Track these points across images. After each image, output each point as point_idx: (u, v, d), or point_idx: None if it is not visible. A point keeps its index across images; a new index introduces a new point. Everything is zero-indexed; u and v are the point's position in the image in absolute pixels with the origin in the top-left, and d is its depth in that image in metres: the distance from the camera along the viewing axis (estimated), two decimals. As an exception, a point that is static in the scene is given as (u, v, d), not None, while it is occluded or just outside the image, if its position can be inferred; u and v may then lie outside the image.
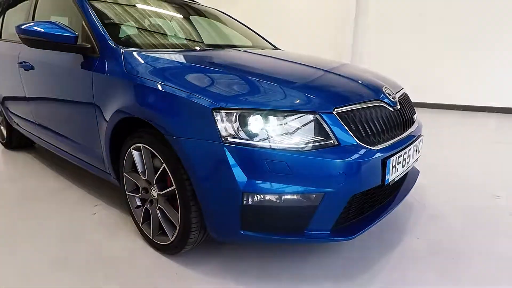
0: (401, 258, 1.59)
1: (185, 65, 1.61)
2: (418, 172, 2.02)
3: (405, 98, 1.80)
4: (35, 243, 1.69)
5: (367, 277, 1.46)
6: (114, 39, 1.77)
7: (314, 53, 2.66)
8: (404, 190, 1.76)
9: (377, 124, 1.44)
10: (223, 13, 3.02)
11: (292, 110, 1.28)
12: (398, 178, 1.52)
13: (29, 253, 1.61)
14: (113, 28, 1.94)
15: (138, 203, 1.71)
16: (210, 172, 1.27)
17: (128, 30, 2.03)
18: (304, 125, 1.29)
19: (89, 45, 1.80)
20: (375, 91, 1.55)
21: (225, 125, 1.24)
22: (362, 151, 1.33)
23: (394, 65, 6.49)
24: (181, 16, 2.54)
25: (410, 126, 1.69)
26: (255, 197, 1.26)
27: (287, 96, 1.35)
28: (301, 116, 1.29)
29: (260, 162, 1.23)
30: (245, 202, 1.26)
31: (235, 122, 1.25)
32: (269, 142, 1.24)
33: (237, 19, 3.04)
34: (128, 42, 1.90)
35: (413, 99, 2.23)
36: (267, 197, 1.26)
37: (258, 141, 1.24)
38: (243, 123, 1.25)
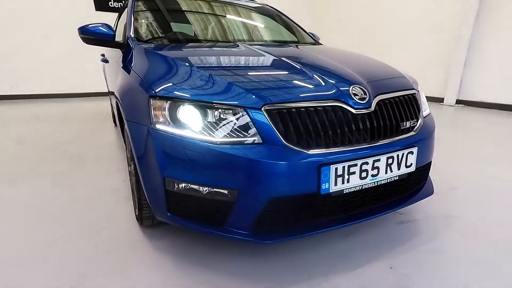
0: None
1: (159, 57, 1.72)
2: (429, 192, 1.67)
3: (397, 103, 1.50)
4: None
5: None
6: (139, 36, 2.08)
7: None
8: (384, 207, 1.50)
9: (319, 126, 1.29)
10: (275, 9, 3.02)
11: (219, 103, 1.28)
12: (356, 190, 1.34)
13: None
14: (144, 25, 2.25)
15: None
16: (144, 155, 1.40)
17: (152, 27, 2.31)
18: (228, 120, 1.27)
19: (122, 41, 2.15)
20: (334, 89, 1.37)
21: (156, 112, 1.34)
22: (288, 152, 1.23)
23: None
24: (215, 13, 2.69)
25: (391, 135, 1.42)
26: (177, 184, 1.33)
27: (223, 90, 1.34)
28: (227, 110, 1.27)
29: (181, 150, 1.28)
30: (167, 187, 1.35)
31: (164, 111, 1.33)
32: (192, 133, 1.28)
33: (285, 14, 3.00)
34: (147, 38, 2.18)
35: None
36: (188, 186, 1.31)
37: (182, 130, 1.29)
38: (173, 112, 1.32)
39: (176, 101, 1.32)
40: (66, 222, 1.83)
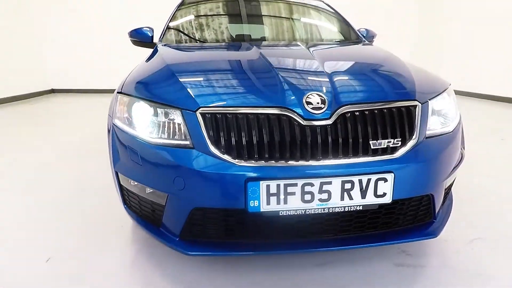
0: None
1: (152, 59, 1.78)
2: (429, 233, 1.30)
3: (374, 116, 1.19)
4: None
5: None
6: (168, 38, 2.28)
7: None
8: (355, 240, 1.24)
9: (255, 135, 1.13)
10: (328, 6, 2.79)
11: (162, 103, 1.26)
12: (304, 214, 1.15)
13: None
14: (176, 26, 2.42)
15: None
16: (109, 147, 1.48)
17: (180, 28, 2.43)
18: (164, 120, 1.24)
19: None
20: (286, 96, 1.18)
21: (119, 108, 1.40)
22: (213, 161, 1.13)
23: None
24: (256, 13, 2.64)
25: (354, 155, 1.15)
26: (124, 180, 1.37)
27: (171, 90, 1.32)
28: (166, 111, 1.25)
29: (124, 146, 1.32)
30: (118, 181, 1.40)
31: (124, 106, 1.38)
32: (134, 130, 1.30)
33: (333, 8, 2.73)
34: (173, 39, 2.32)
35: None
36: (131, 182, 1.34)
37: (129, 126, 1.32)
38: (129, 109, 1.36)
39: (132, 99, 1.35)
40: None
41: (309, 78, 1.32)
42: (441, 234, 1.35)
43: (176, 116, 1.22)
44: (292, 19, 2.66)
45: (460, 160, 1.44)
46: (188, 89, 1.26)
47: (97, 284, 1.34)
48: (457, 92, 6.55)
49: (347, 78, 1.36)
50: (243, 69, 1.51)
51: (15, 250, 1.57)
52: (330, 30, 2.58)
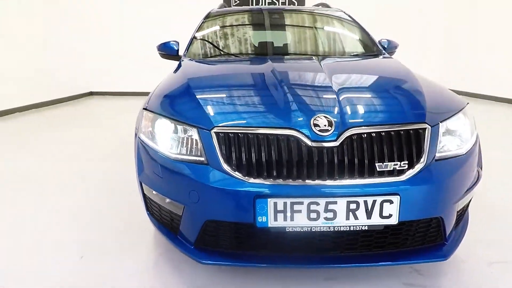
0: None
1: (175, 74, 1.92)
2: (438, 256, 1.31)
3: (381, 138, 1.21)
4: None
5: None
6: (192, 52, 2.42)
7: None
8: (361, 258, 1.28)
9: (265, 155, 1.20)
10: (350, 17, 2.80)
11: (181, 121, 1.37)
12: (311, 231, 1.20)
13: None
14: (199, 42, 2.55)
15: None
16: (135, 158, 1.61)
17: (202, 42, 2.55)
18: (184, 137, 1.35)
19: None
20: (295, 117, 1.25)
21: (144, 123, 1.53)
22: (225, 177, 1.21)
23: None
24: (280, 24, 2.72)
25: (361, 176, 1.18)
26: (147, 189, 1.49)
27: (190, 108, 1.42)
28: (185, 128, 1.35)
29: (148, 159, 1.44)
30: (142, 190, 1.53)
31: (148, 122, 1.51)
32: (156, 144, 1.41)
33: (354, 19, 2.73)
34: (197, 53, 2.45)
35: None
36: (153, 191, 1.45)
37: (151, 140, 1.44)
38: (152, 124, 1.49)
39: (156, 115, 1.47)
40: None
41: (318, 98, 1.37)
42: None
43: (194, 133, 1.32)
44: (314, 28, 2.71)
45: (476, 181, 1.42)
46: (204, 108, 1.37)
47: (120, 284, 1.47)
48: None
49: (355, 98, 1.39)
50: (257, 88, 1.59)
51: (55, 247, 1.76)
52: (350, 41, 2.60)
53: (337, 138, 1.19)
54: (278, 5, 6.80)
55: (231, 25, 2.74)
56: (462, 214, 1.45)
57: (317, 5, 3.50)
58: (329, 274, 1.50)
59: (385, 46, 2.51)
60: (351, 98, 1.38)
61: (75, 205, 2.23)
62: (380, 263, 1.28)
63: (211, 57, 2.48)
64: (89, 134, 4.22)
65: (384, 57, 2.22)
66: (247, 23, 2.75)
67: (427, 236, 1.31)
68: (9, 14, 5.46)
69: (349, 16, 2.77)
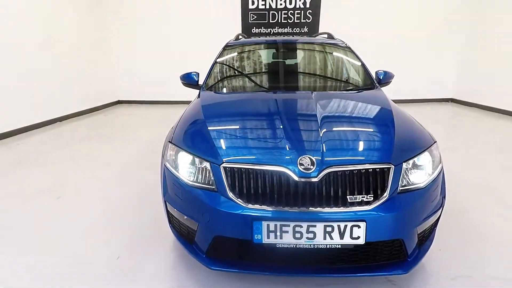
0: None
1: (192, 108, 2.31)
2: (398, 269, 1.60)
3: (351, 175, 1.52)
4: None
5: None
6: (209, 83, 2.82)
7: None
8: (336, 270, 1.60)
9: (261, 186, 1.54)
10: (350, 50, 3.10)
11: (197, 155, 1.73)
12: (296, 248, 1.53)
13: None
14: (216, 74, 2.94)
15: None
16: (160, 181, 1.99)
17: (217, 77, 2.95)
18: (199, 168, 1.71)
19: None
20: (286, 157, 1.58)
21: (169, 153, 1.91)
22: (230, 203, 1.56)
23: None
24: (286, 59, 3.06)
25: (335, 205, 1.51)
26: (170, 207, 1.86)
27: (205, 144, 1.78)
28: (200, 161, 1.71)
29: (171, 183, 1.82)
30: (166, 207, 1.90)
31: (172, 152, 1.88)
32: (178, 172, 1.79)
33: (352, 50, 3.04)
34: (213, 84, 2.84)
35: None
36: (175, 209, 1.82)
37: (174, 168, 1.81)
38: (175, 155, 1.86)
39: (178, 148, 1.85)
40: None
41: (306, 141, 1.70)
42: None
43: (207, 165, 1.68)
44: (318, 61, 3.05)
45: (439, 208, 1.71)
46: (216, 146, 1.73)
47: (144, 282, 1.86)
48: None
49: (335, 141, 1.71)
50: (260, 128, 1.95)
51: (96, 247, 2.18)
52: (348, 75, 2.91)
53: (317, 175, 1.52)
54: (294, 21, 7.10)
55: (244, 58, 3.12)
56: (424, 236, 1.73)
57: (323, 33, 3.83)
58: (323, 282, 1.82)
59: (380, 78, 2.80)
60: (331, 141, 1.70)
61: (110, 210, 2.66)
62: (352, 274, 1.59)
63: (224, 88, 2.87)
64: (124, 142, 4.74)
65: (376, 90, 2.52)
66: (259, 57, 3.12)
67: (392, 254, 1.61)
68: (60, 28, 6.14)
69: (350, 48, 3.08)
